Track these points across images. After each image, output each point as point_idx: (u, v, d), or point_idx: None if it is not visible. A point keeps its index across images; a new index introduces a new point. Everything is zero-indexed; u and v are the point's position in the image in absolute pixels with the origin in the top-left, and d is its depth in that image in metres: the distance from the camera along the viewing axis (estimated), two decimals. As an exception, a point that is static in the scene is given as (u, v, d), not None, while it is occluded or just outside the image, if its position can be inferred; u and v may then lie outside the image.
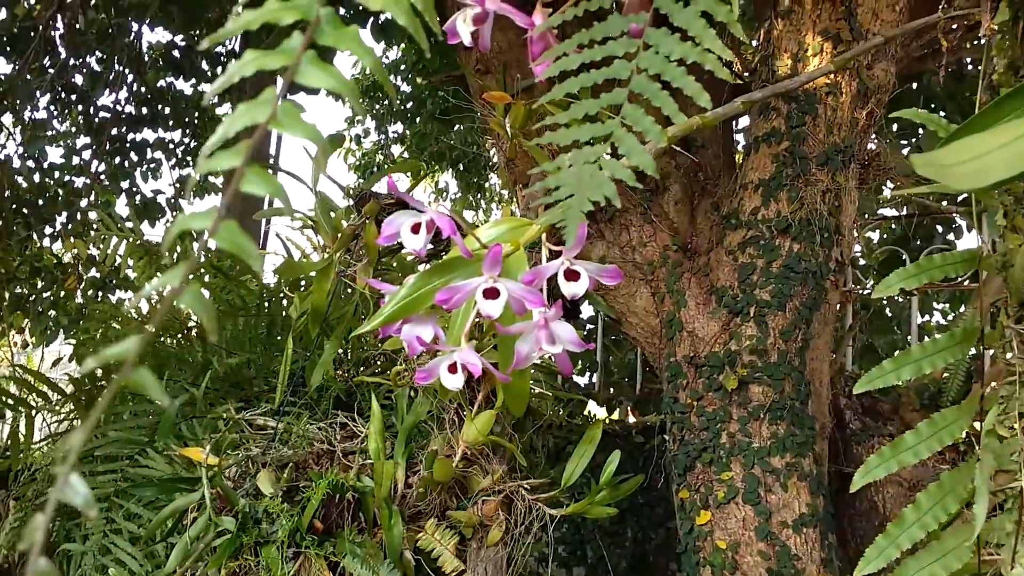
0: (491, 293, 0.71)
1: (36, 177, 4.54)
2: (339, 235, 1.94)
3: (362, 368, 2.11)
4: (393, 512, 1.55)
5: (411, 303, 0.78)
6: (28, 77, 4.45)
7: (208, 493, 1.52)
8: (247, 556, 1.51)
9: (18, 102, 4.55)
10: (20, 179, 4.52)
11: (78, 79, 4.70)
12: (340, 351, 2.06)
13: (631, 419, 3.15)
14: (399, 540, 1.53)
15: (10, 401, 3.11)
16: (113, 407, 2.65)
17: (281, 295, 3.01)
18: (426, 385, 1.81)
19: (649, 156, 0.59)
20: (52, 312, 4.19)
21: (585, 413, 3.19)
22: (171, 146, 4.93)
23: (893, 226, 3.88)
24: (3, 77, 4.47)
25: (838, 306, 2.15)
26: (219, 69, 4.74)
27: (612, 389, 3.40)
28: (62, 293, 4.24)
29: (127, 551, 2.28)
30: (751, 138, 2.19)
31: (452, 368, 0.75)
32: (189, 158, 4.86)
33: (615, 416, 3.17)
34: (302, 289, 2.33)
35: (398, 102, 5.65)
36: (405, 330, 0.80)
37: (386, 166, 6.29)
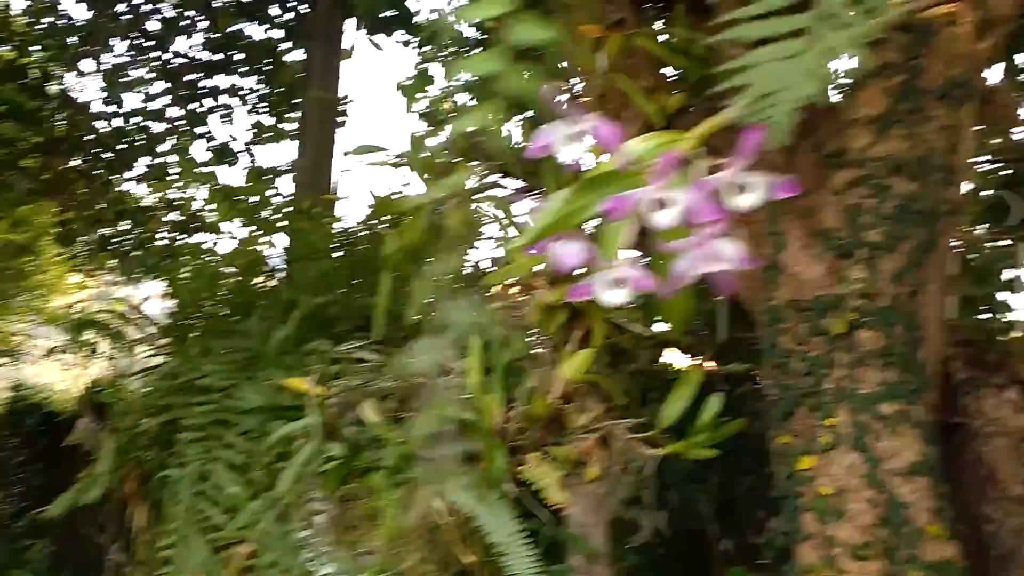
0: (661, 203, 0.67)
1: (116, 122, 4.65)
2: (433, 172, 1.92)
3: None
4: (496, 444, 1.56)
5: (564, 218, 0.75)
6: (106, 23, 4.52)
7: (316, 420, 1.55)
8: (355, 482, 1.54)
9: (97, 48, 4.64)
10: (100, 124, 4.63)
11: (154, 25, 4.75)
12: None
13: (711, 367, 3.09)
14: (502, 471, 1.53)
15: (105, 336, 3.24)
16: (208, 343, 2.73)
17: (365, 236, 3.03)
18: (525, 321, 1.80)
19: (865, 48, 0.54)
20: (137, 253, 4.32)
21: (662, 361, 3.14)
22: (244, 92, 4.97)
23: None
24: (83, 23, 4.54)
25: (950, 250, 2.05)
26: (290, 15, 4.73)
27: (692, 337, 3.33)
28: (145, 235, 4.37)
29: (225, 477, 2.37)
30: (858, 73, 2.07)
31: (612, 283, 0.72)
32: (263, 104, 4.90)
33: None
34: (395, 227, 2.32)
35: (466, 47, 5.55)
36: (554, 247, 0.77)
37: (451, 114, 6.23)
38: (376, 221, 2.93)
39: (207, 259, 3.59)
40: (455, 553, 1.53)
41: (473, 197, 1.98)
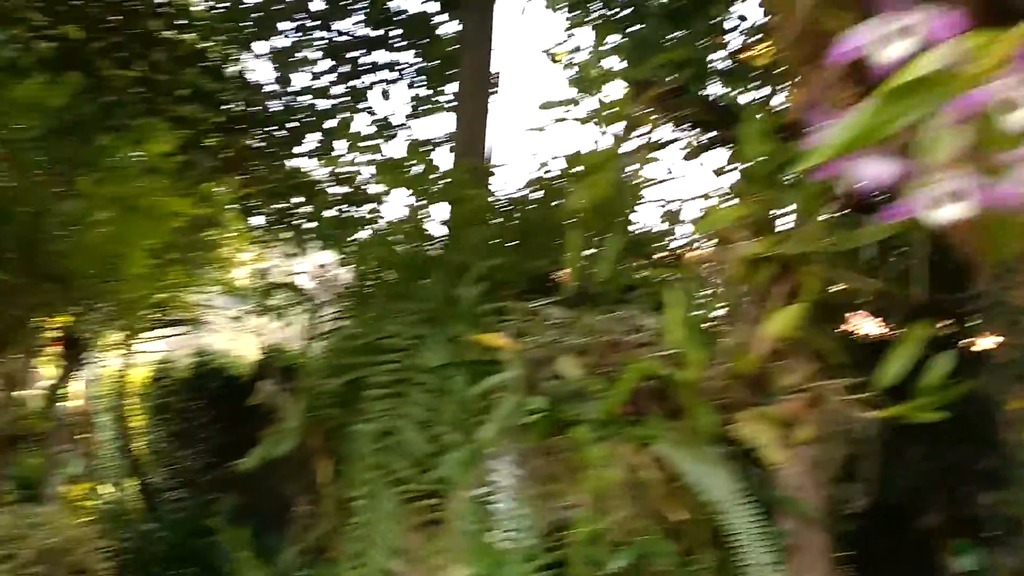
0: (1013, 103, 0.58)
1: (286, 101, 4.90)
2: (622, 125, 1.86)
3: (641, 261, 2.06)
4: (701, 401, 1.50)
5: (871, 130, 0.67)
6: (275, 6, 4.76)
7: (515, 374, 1.55)
8: (556, 436, 1.53)
9: (267, 31, 4.90)
10: (273, 103, 4.90)
11: (318, 5, 4.95)
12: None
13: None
14: (709, 428, 1.47)
15: (286, 302, 3.44)
16: (387, 305, 2.83)
17: (528, 199, 3.03)
18: (725, 275, 1.72)
19: None
20: (309, 225, 4.57)
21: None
22: (402, 66, 5.10)
23: None
24: (256, 5, 4.80)
25: None
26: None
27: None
28: (316, 208, 4.60)
29: (411, 432, 2.46)
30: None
31: (942, 199, 0.64)
32: (421, 77, 5.01)
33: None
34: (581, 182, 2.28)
35: (616, 9, 5.42)
36: (858, 164, 0.70)
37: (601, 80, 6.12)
38: (544, 182, 2.92)
39: (378, 228, 3.74)
40: (664, 510, 1.49)
41: (661, 149, 1.91)
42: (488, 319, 2.18)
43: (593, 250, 1.90)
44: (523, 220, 2.92)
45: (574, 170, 2.33)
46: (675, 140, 1.88)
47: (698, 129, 1.87)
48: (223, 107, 4.66)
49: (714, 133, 1.85)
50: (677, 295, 1.58)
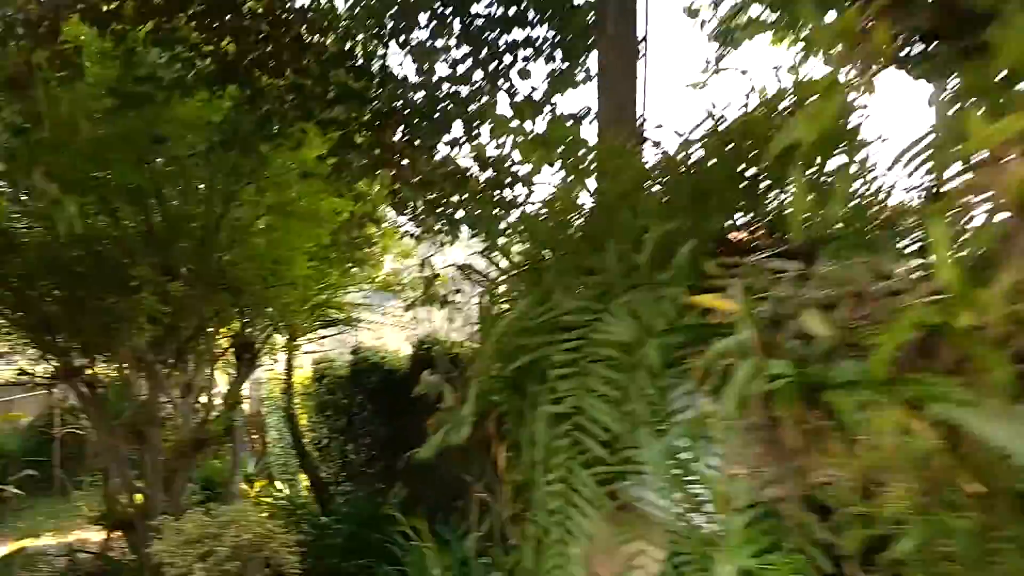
0: None
1: (428, 92, 4.90)
2: (842, 47, 1.63)
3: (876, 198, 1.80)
4: (993, 349, 1.25)
5: None
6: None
7: (748, 336, 1.36)
8: (806, 404, 1.33)
9: (406, 24, 4.92)
10: (416, 96, 4.92)
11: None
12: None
13: None
14: (1007, 381, 1.22)
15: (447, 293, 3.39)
16: (563, 280, 2.71)
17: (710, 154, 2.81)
18: (1000, 199, 1.45)
19: None
20: (461, 213, 4.55)
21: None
22: (539, 42, 4.97)
23: None
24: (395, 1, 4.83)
25: None
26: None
27: None
28: (466, 195, 4.58)
29: (603, 409, 2.32)
30: None
31: None
32: (557, 52, 4.87)
33: None
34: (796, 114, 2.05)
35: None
36: None
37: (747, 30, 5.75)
38: (717, 136, 2.69)
39: (535, 207, 3.63)
40: (952, 481, 1.26)
41: (892, 68, 1.65)
42: (691, 281, 2.00)
43: (815, 193, 1.68)
44: (695, 180, 2.71)
45: (784, 103, 2.10)
46: (908, 56, 1.63)
47: (936, 41, 1.60)
48: (370, 105, 4.71)
49: (955, 42, 1.58)
50: (942, 230, 1.34)
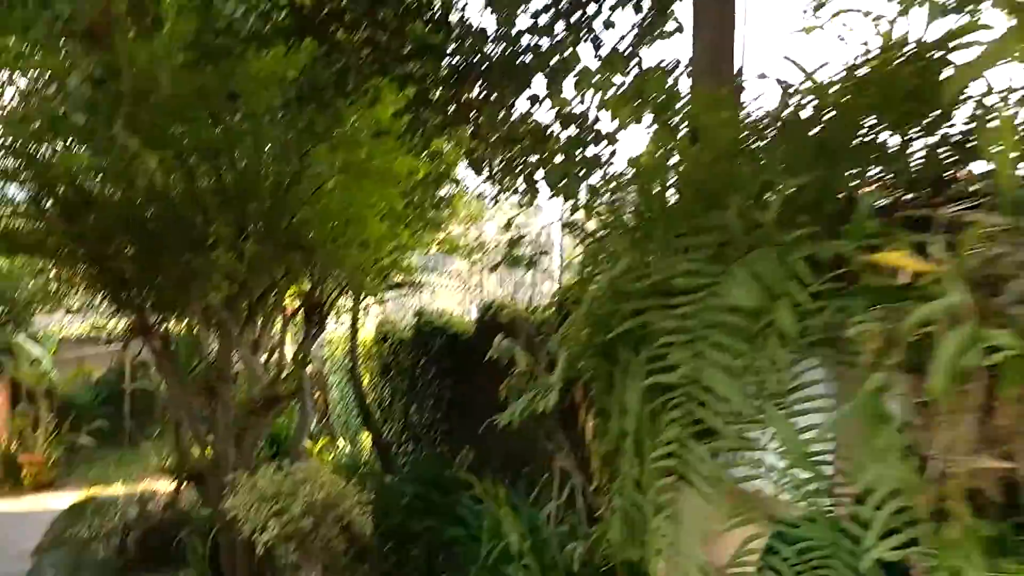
0: None
1: (508, 46, 4.71)
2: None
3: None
4: None
5: None
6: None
7: (956, 301, 1.18)
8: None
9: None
10: (494, 50, 4.73)
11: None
12: None
13: None
14: None
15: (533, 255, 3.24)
16: (671, 241, 2.54)
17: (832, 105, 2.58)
18: None
19: None
20: (541, 172, 4.38)
21: None
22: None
23: None
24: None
25: None
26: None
27: None
28: (548, 154, 4.40)
29: (720, 379, 2.16)
30: None
31: None
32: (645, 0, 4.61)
33: None
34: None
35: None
36: None
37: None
38: (843, 85, 2.45)
39: (629, 167, 3.45)
40: None
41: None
42: (858, 239, 1.80)
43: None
44: (821, 132, 2.48)
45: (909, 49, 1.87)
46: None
47: None
48: (447, 59, 4.55)
49: None
50: None
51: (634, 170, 2.83)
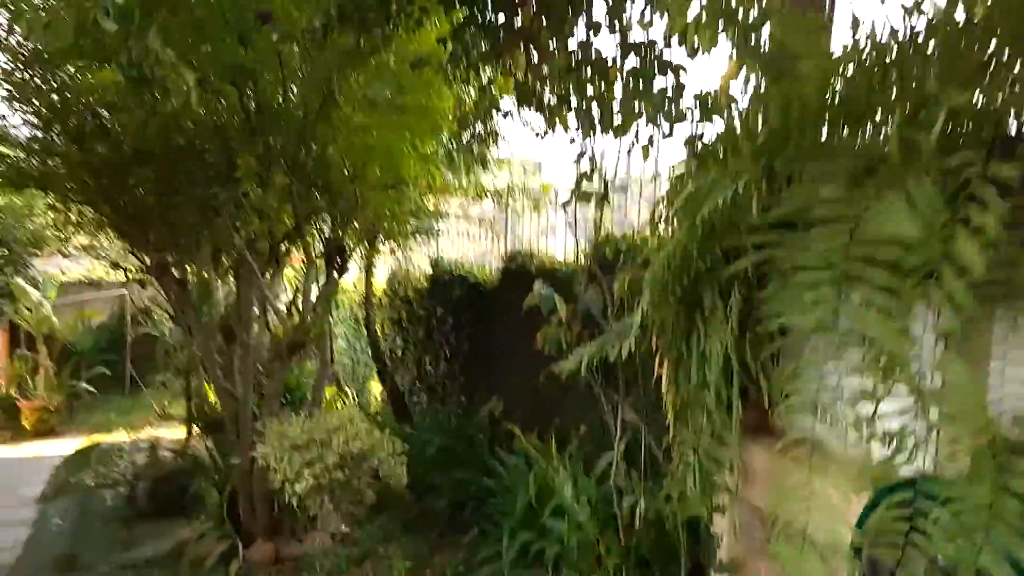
0: None
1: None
2: None
3: None
4: None
5: None
6: None
7: None
8: None
9: None
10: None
11: None
12: None
13: None
14: None
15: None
16: (797, 166, 2.25)
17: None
18: None
19: None
20: (598, 105, 4.07)
21: None
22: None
23: None
24: None
25: None
26: None
27: None
28: (606, 86, 4.08)
29: (869, 323, 1.91)
30: None
31: None
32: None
33: None
34: None
35: None
36: None
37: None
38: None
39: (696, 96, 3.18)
40: None
41: None
42: None
43: None
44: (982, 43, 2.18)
45: None
46: None
47: None
48: (499, -19, 4.19)
49: None
50: None
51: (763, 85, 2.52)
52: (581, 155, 3.61)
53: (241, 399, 5.92)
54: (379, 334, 9.72)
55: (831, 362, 2.08)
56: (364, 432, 4.58)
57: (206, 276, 6.15)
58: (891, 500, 2.06)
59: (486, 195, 6.54)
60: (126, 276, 5.99)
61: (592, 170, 3.43)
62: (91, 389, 13.06)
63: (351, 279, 10.62)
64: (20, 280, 12.33)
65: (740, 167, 2.38)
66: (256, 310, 6.31)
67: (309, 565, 5.60)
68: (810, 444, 2.37)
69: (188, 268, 6.14)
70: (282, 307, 6.63)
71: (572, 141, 4.17)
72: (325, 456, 4.29)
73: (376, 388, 10.57)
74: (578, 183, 3.51)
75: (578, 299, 5.33)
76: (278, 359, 5.61)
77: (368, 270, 8.81)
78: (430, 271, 8.77)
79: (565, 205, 3.46)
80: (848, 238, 1.96)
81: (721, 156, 2.59)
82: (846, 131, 2.17)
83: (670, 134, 3.61)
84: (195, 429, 8.36)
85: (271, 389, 5.79)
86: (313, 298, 6.01)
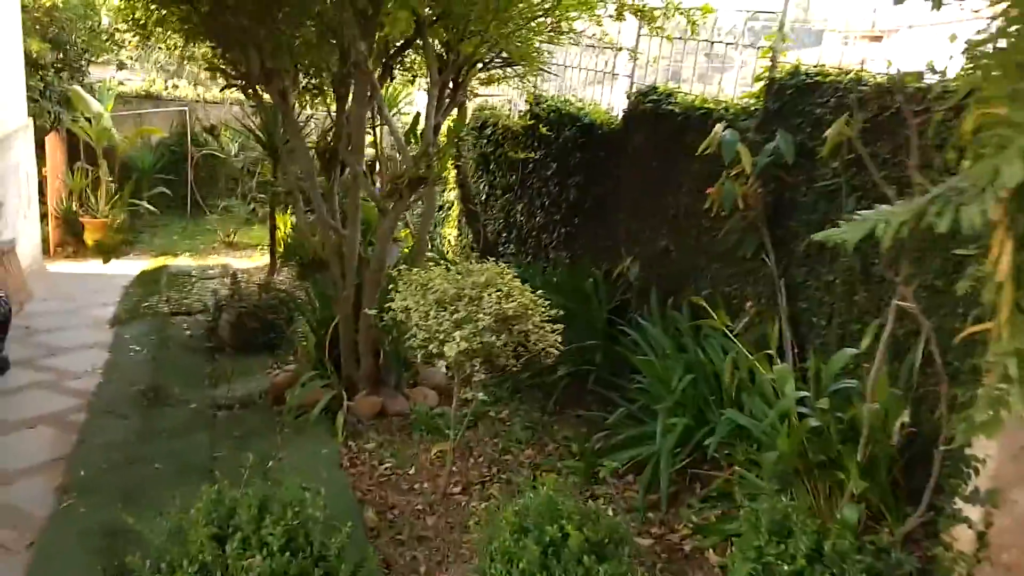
0: None
1: None
2: None
3: None
4: None
5: None
6: None
7: None
8: None
9: None
10: None
11: None
12: None
13: None
14: None
15: None
16: None
17: None
18: None
19: None
20: None
21: None
22: None
23: None
24: None
25: None
26: None
27: None
28: None
29: None
30: None
31: None
32: None
33: None
34: None
35: None
36: None
37: None
38: None
39: None
40: None
41: None
42: None
43: None
44: None
45: None
46: None
47: None
48: None
49: None
50: None
51: None
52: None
53: (348, 237, 5.25)
54: (467, 175, 8.89)
55: None
56: (518, 291, 3.88)
57: (316, 91, 5.27)
58: None
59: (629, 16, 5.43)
60: (229, 82, 5.10)
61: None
62: (152, 209, 12.57)
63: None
64: (78, 87, 11.49)
65: None
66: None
67: (420, 423, 5.13)
68: None
69: (294, 78, 5.25)
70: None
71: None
72: (476, 316, 3.62)
73: (450, 233, 9.80)
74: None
75: (758, 148, 4.42)
76: (396, 194, 4.85)
77: (463, 104, 7.84)
78: (527, 109, 7.80)
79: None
80: None
81: None
82: None
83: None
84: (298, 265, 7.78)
85: (385, 229, 5.08)
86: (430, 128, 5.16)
